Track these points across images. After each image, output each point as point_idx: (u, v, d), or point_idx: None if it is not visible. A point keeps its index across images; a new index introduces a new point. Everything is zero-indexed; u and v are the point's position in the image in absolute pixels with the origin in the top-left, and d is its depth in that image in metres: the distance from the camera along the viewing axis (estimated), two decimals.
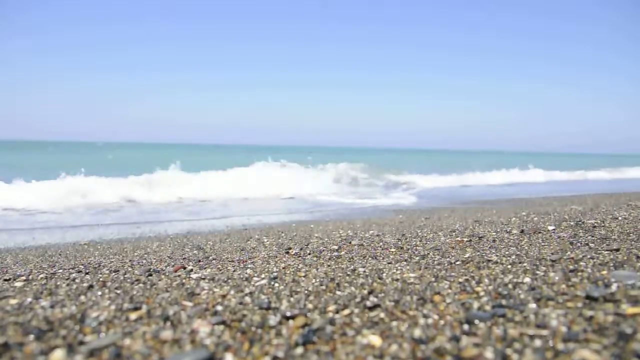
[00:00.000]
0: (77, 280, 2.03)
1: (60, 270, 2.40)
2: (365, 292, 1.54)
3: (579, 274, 1.60)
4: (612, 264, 1.71)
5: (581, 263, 1.76)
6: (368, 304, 1.40)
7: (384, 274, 1.79)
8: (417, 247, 2.49)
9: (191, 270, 2.18)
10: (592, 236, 2.42)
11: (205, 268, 2.23)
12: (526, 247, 2.24)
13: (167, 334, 1.20)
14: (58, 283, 1.99)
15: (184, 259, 2.62)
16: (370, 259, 2.23)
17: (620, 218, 3.07)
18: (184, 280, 1.89)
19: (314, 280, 1.75)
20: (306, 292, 1.58)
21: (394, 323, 1.23)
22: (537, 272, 1.67)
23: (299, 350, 1.08)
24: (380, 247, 2.60)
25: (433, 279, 1.67)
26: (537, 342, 1.04)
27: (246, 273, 1.98)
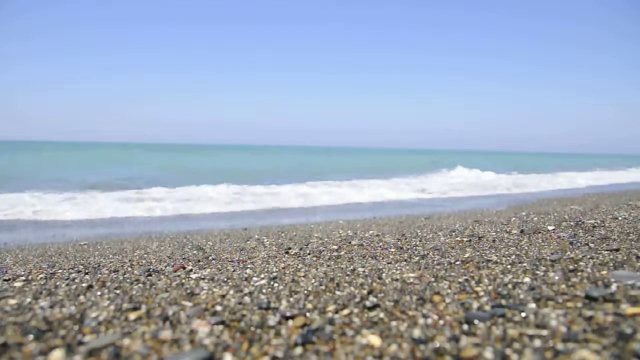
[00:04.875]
0: (76, 280, 2.03)
1: (60, 271, 2.40)
2: (365, 292, 1.54)
3: (579, 274, 1.60)
4: (611, 264, 1.71)
5: (581, 263, 1.76)
6: (367, 304, 1.39)
7: (384, 274, 1.79)
8: (417, 247, 2.49)
9: (191, 270, 2.18)
10: (592, 236, 2.42)
11: (204, 268, 2.22)
12: (526, 247, 2.24)
13: (166, 334, 1.20)
14: (57, 283, 1.99)
15: (183, 259, 2.62)
16: (369, 259, 2.23)
17: (620, 218, 3.06)
18: (183, 280, 1.89)
19: (313, 280, 1.75)
20: (306, 292, 1.58)
21: (394, 323, 1.23)
22: (537, 272, 1.67)
23: (298, 350, 1.08)
24: (380, 247, 2.60)
25: (432, 279, 1.67)
26: (537, 342, 1.04)
27: (246, 273, 1.98)
